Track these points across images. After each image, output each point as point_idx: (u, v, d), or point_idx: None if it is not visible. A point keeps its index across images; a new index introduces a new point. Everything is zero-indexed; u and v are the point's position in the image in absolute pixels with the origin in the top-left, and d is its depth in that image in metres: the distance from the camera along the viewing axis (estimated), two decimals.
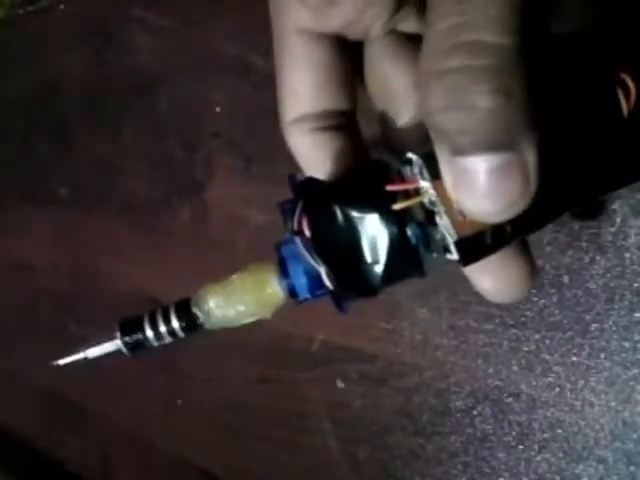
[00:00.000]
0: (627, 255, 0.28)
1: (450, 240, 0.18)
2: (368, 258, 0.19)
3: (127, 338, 0.22)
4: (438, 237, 0.19)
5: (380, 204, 0.19)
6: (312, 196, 0.19)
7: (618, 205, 0.28)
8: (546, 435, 0.30)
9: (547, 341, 0.30)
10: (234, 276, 0.21)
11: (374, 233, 0.19)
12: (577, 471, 0.29)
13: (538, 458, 0.31)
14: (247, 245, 0.43)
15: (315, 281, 0.19)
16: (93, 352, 0.22)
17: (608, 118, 0.18)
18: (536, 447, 0.31)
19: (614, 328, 0.28)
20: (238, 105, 0.43)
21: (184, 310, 0.21)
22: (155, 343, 0.22)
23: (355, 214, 0.19)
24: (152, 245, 0.51)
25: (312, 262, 0.19)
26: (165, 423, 0.51)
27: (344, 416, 0.38)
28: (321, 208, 0.19)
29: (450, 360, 0.33)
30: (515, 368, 0.31)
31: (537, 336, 0.30)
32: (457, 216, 0.17)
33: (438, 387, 0.34)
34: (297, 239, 0.19)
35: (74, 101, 0.57)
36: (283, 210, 0.20)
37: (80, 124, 0.56)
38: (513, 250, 0.20)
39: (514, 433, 0.31)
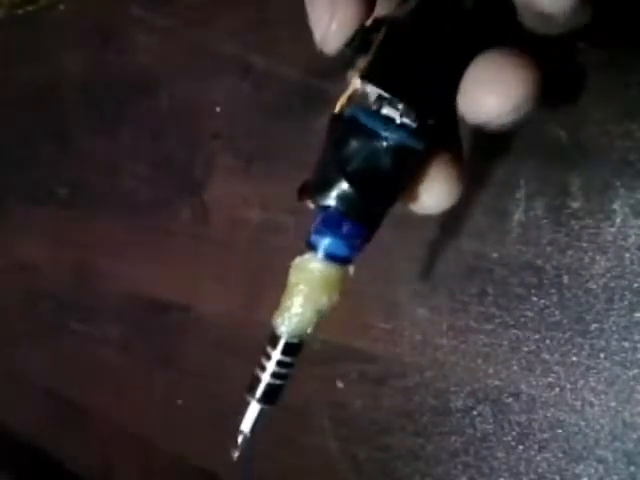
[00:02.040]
0: (627, 255, 0.28)
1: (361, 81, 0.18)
2: (342, 162, 0.19)
3: (257, 394, 0.22)
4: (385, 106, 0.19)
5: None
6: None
7: (618, 205, 0.28)
8: (546, 435, 0.30)
9: (547, 341, 0.30)
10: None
11: (341, 141, 0.19)
12: (577, 471, 0.29)
13: (538, 458, 0.31)
14: (247, 245, 0.43)
15: (338, 234, 0.20)
16: (246, 425, 0.22)
17: None
18: (536, 447, 0.31)
19: (614, 328, 0.28)
20: (238, 105, 0.43)
21: (275, 336, 0.22)
22: (279, 382, 0.22)
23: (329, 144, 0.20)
24: (152, 245, 0.51)
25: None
26: (165, 423, 0.51)
27: (344, 416, 0.38)
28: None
29: (450, 360, 0.33)
30: (515, 368, 0.31)
31: (537, 336, 0.30)
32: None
33: (438, 387, 0.34)
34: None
35: (74, 101, 0.57)
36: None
37: (80, 124, 0.56)
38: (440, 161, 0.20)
39: (514, 433, 0.31)
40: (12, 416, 0.65)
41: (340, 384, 0.38)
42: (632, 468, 0.28)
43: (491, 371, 0.32)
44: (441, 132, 0.19)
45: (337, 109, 0.20)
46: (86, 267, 0.57)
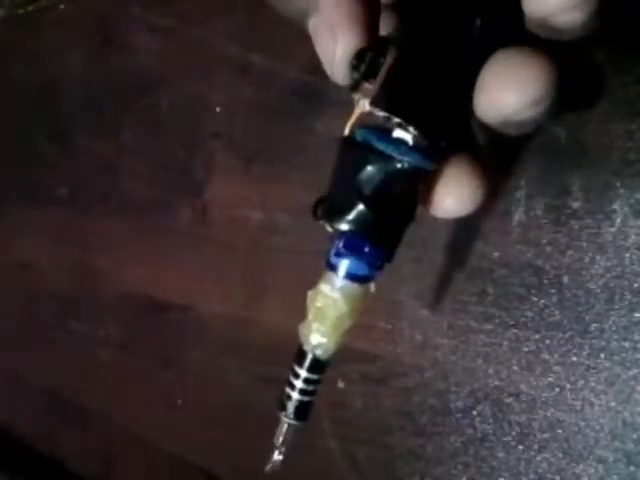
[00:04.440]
0: (627, 255, 0.28)
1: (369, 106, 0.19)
2: (355, 182, 0.20)
3: (287, 411, 0.23)
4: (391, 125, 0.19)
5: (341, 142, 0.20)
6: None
7: (618, 205, 0.28)
8: (546, 435, 0.30)
9: (547, 341, 0.30)
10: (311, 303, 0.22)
11: (355, 166, 0.20)
12: (577, 471, 0.29)
13: (538, 458, 0.31)
14: (247, 245, 0.43)
15: (359, 256, 0.20)
16: (278, 440, 0.23)
17: None
18: (536, 447, 0.31)
19: (614, 328, 0.28)
20: (238, 105, 0.43)
21: (302, 355, 0.23)
22: (307, 398, 0.23)
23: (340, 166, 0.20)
24: (152, 245, 0.51)
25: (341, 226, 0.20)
26: (165, 423, 0.51)
27: (344, 416, 0.38)
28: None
29: (450, 360, 0.33)
30: (515, 368, 0.31)
31: (537, 336, 0.30)
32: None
33: (438, 387, 0.34)
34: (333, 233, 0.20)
35: (74, 101, 0.57)
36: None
37: (80, 124, 0.56)
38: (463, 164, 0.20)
39: (514, 433, 0.31)
40: (12, 416, 0.65)
41: (341, 384, 0.38)
42: (632, 468, 0.28)
43: (491, 371, 0.32)
44: (454, 149, 0.20)
45: (347, 131, 0.20)
46: (86, 267, 0.57)
